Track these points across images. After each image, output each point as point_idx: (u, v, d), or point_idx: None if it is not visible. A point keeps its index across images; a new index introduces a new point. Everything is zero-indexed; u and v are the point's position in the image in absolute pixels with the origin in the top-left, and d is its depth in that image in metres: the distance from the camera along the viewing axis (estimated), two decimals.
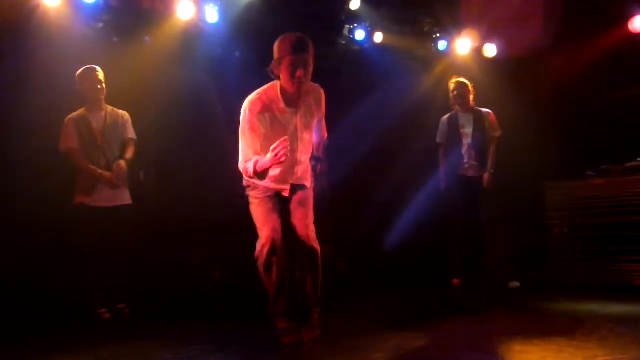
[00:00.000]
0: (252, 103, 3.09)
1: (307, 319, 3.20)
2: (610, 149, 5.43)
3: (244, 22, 5.37)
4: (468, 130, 5.24)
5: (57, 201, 4.45)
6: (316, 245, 3.20)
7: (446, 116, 5.39)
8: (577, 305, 4.25)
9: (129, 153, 4.38)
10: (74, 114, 4.32)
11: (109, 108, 4.40)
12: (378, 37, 5.96)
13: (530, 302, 4.43)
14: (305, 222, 3.20)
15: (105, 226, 4.20)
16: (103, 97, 4.34)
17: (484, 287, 5.04)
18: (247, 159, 3.06)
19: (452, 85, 5.31)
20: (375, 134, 5.79)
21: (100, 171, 4.20)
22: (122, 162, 4.29)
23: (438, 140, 5.40)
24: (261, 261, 3.13)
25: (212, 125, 5.34)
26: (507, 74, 5.95)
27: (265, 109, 3.09)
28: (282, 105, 3.12)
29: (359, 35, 5.93)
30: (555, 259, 5.27)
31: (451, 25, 6.12)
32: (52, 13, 4.65)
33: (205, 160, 5.36)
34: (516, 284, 5.16)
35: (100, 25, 5.01)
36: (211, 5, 5.23)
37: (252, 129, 3.06)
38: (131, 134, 4.44)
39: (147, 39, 5.18)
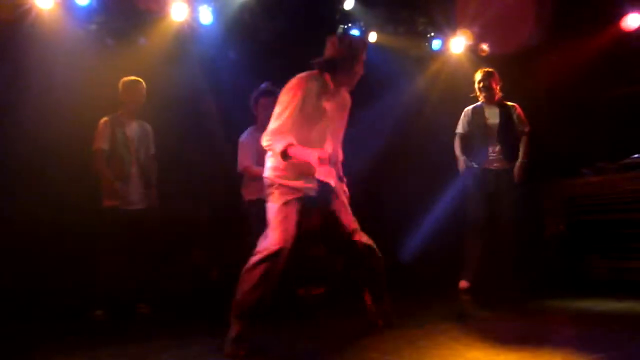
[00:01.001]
0: (309, 79, 3.09)
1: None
2: (605, 147, 5.45)
3: (238, 22, 5.37)
4: (494, 123, 4.96)
5: (54, 200, 4.49)
6: (367, 239, 3.30)
7: (470, 107, 5.10)
8: (573, 303, 4.26)
9: (154, 175, 4.58)
10: (111, 115, 4.45)
11: (139, 120, 4.57)
12: (372, 37, 5.96)
13: (526, 300, 4.44)
14: (350, 218, 3.27)
15: (134, 228, 4.31)
16: (139, 111, 4.54)
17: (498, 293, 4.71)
18: (281, 132, 2.95)
19: (478, 75, 5.04)
20: (369, 132, 5.77)
21: (113, 181, 4.32)
22: (154, 194, 4.54)
23: (460, 130, 5.08)
24: (256, 258, 2.95)
25: (208, 125, 5.34)
26: (501, 73, 5.95)
27: (318, 91, 3.10)
28: (327, 96, 3.15)
29: (353, 34, 5.92)
30: (551, 257, 5.27)
31: (445, 25, 6.13)
32: (46, 15, 4.63)
33: (200, 160, 5.35)
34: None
35: (94, 27, 5.00)
36: (205, 6, 5.22)
37: (299, 102, 3.02)
38: (153, 148, 4.62)
39: (142, 40, 5.17)
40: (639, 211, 4.77)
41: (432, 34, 6.22)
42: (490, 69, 5.07)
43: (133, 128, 4.50)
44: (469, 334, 3.27)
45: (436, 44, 6.23)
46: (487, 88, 4.97)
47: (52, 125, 4.50)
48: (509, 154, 4.93)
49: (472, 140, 5.05)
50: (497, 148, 4.93)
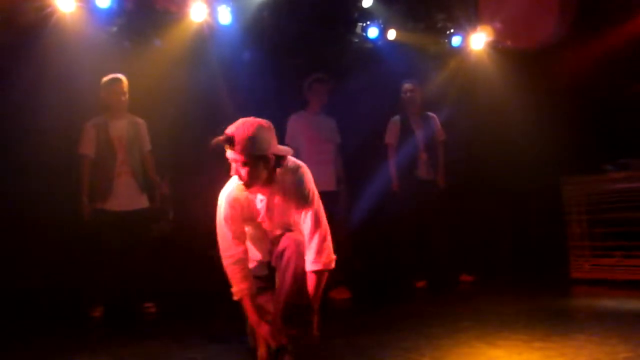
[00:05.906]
0: None
1: None
2: (629, 143, 5.35)
3: (256, 22, 5.37)
4: (420, 132, 5.33)
5: (72, 202, 4.53)
6: None
7: (397, 117, 5.42)
8: (597, 302, 4.21)
9: (152, 170, 4.55)
10: (95, 119, 4.44)
11: (129, 116, 4.52)
12: (391, 34, 5.92)
13: (550, 298, 4.39)
14: None
15: (124, 229, 4.30)
16: (125, 107, 4.48)
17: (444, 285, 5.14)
18: None
19: (405, 86, 5.37)
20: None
21: (86, 189, 4.32)
22: (165, 190, 4.57)
23: (388, 140, 5.38)
24: None
25: (226, 126, 5.35)
26: (522, 68, 5.89)
27: None
28: None
29: (372, 32, 5.90)
30: (574, 255, 5.20)
31: (465, 21, 6.08)
32: (68, 18, 4.69)
33: (219, 162, 5.36)
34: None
35: (115, 29, 5.05)
36: (224, 6, 5.24)
37: None
38: (148, 144, 4.57)
39: (157, 42, 5.20)
40: None
41: (452, 30, 6.17)
42: (415, 81, 5.40)
43: (120, 127, 4.43)
44: (491, 332, 3.24)
45: (456, 40, 6.17)
46: (413, 99, 5.35)
47: (70, 126, 4.56)
48: (435, 162, 5.31)
49: (402, 149, 5.31)
50: (427, 156, 5.28)
